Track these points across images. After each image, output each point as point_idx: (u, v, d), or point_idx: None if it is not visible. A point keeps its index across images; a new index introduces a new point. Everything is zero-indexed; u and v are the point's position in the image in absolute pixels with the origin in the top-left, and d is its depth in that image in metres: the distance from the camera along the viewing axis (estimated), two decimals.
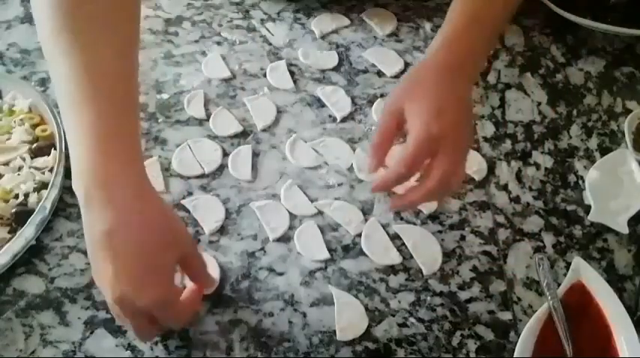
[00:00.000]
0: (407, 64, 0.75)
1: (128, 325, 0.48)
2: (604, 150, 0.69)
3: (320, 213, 0.62)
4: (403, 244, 0.61)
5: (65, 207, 0.61)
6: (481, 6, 0.58)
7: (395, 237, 0.61)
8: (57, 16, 0.47)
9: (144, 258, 0.45)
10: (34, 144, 0.63)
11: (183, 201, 0.62)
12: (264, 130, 0.68)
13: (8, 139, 0.64)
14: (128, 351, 0.54)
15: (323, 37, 0.78)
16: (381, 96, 0.72)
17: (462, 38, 0.57)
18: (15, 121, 0.65)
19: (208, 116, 0.69)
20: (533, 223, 0.63)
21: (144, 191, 0.48)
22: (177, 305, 0.48)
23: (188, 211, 0.62)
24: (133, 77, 0.50)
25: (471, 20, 0.57)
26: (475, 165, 0.67)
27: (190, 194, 0.63)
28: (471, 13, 0.57)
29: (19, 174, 0.61)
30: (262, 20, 0.79)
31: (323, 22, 0.79)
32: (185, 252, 0.49)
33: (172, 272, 0.48)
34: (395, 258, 0.60)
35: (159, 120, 0.68)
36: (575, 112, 0.72)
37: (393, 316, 0.57)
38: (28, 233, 0.57)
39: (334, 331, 0.55)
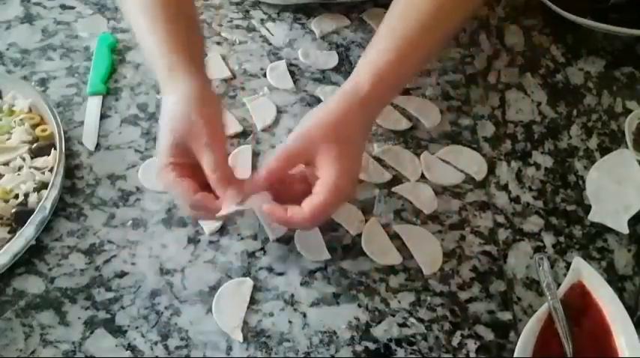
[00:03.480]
0: None
1: None
2: (604, 150, 0.69)
3: None
4: (403, 244, 0.61)
5: (65, 207, 0.61)
6: (414, 41, 0.57)
7: (395, 237, 0.61)
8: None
9: (164, 132, 0.53)
10: (34, 144, 0.63)
11: None
12: (264, 130, 0.68)
13: (8, 139, 0.64)
14: (128, 351, 0.54)
15: (323, 37, 0.78)
16: None
17: (392, 73, 0.57)
18: (15, 121, 0.65)
19: None
20: (533, 223, 0.63)
21: (199, 84, 0.55)
22: (180, 185, 0.52)
23: None
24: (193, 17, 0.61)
25: (403, 54, 0.57)
26: (475, 165, 0.67)
27: None
28: (406, 45, 0.57)
29: (19, 174, 0.61)
30: (262, 20, 0.79)
31: (323, 22, 0.79)
32: (197, 136, 0.53)
33: (174, 149, 0.53)
34: (395, 258, 0.60)
35: (159, 120, 0.68)
36: (575, 112, 0.73)
37: (393, 316, 0.57)
38: (28, 233, 0.57)
39: (334, 331, 0.55)
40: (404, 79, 0.62)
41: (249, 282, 0.57)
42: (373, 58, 0.57)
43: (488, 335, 0.56)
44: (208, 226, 0.61)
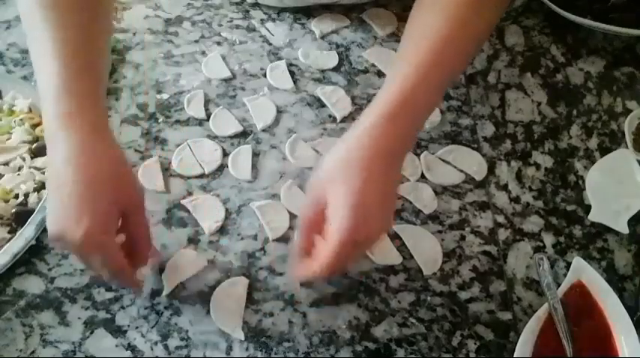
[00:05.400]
0: None
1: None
2: (604, 150, 0.69)
3: None
4: (403, 244, 0.61)
5: None
6: (419, 81, 0.51)
7: (395, 237, 0.61)
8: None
9: (84, 194, 0.46)
10: (34, 144, 0.64)
11: (183, 201, 0.62)
12: (264, 130, 0.68)
13: (8, 139, 0.64)
14: (128, 351, 0.54)
15: (323, 37, 0.78)
16: None
17: (398, 119, 0.50)
18: (15, 121, 0.65)
19: (208, 116, 0.69)
20: (533, 223, 0.63)
21: (100, 135, 0.49)
22: (115, 253, 0.48)
23: (188, 211, 0.62)
24: (97, 41, 0.53)
25: (408, 97, 0.51)
26: (475, 165, 0.67)
27: (190, 194, 0.63)
28: (410, 88, 0.51)
29: (19, 174, 0.61)
30: (262, 20, 0.79)
31: (323, 22, 0.79)
32: (129, 204, 0.50)
33: (110, 217, 0.48)
34: (395, 258, 0.60)
35: (159, 120, 0.68)
36: (575, 112, 0.72)
37: (393, 316, 0.57)
38: (28, 233, 0.57)
39: (334, 331, 0.55)
40: (421, 92, 0.52)
41: (243, 280, 0.57)
42: (388, 77, 0.53)
43: (488, 335, 0.56)
44: (208, 226, 0.61)
